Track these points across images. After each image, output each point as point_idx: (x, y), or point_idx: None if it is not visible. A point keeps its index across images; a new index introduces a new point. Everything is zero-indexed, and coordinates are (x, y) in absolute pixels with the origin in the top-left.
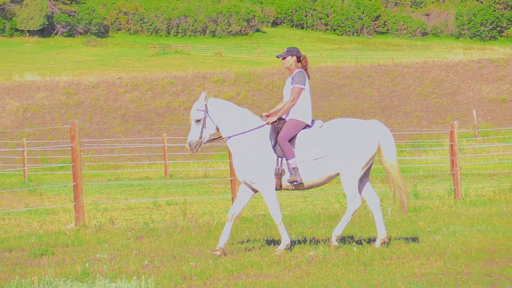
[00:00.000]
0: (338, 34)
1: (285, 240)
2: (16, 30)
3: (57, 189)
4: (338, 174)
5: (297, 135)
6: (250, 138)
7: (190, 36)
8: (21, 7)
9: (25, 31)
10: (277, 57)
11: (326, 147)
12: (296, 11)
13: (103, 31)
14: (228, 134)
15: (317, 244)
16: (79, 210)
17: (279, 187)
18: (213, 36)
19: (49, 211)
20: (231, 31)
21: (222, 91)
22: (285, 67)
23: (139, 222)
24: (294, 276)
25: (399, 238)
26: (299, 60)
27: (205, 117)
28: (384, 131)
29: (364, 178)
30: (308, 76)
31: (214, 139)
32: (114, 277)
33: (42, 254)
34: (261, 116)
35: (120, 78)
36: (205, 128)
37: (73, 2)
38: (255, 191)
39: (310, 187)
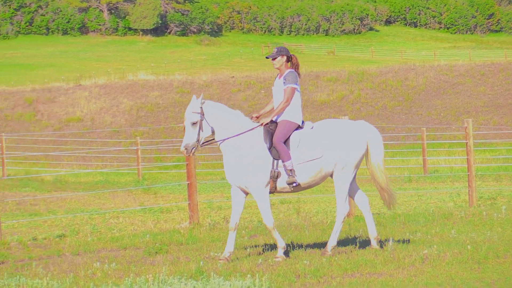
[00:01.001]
0: (451, 33)
1: (281, 244)
2: (130, 29)
3: (171, 188)
4: (331, 173)
5: (290, 136)
6: (245, 140)
7: (303, 35)
8: (134, 6)
9: (139, 30)
10: (267, 57)
11: (321, 148)
12: (410, 9)
13: (216, 30)
14: (223, 136)
15: (431, 242)
16: (193, 209)
17: (273, 190)
18: (326, 35)
19: (163, 210)
20: (344, 30)
21: (335, 90)
22: (275, 68)
23: (253, 221)
24: (408, 274)
25: None
26: (288, 60)
27: (201, 120)
28: (373, 131)
29: (352, 181)
30: (299, 75)
31: (208, 141)
32: (228, 275)
33: (156, 252)
34: (251, 118)
35: (233, 77)
36: (202, 131)
37: (186, 1)
38: (246, 193)
39: (306, 188)
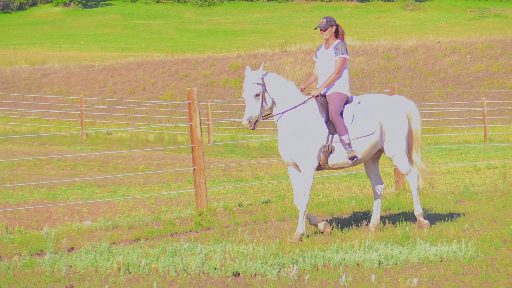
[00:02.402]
0: None
1: (300, 229)
2: None
3: None
4: (380, 149)
5: (343, 111)
6: (301, 113)
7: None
8: None
9: None
10: (315, 28)
11: (374, 123)
12: None
13: None
14: (281, 109)
15: None
16: (398, 174)
17: (324, 166)
18: None
19: None
20: None
21: None
22: (324, 39)
23: (459, 186)
24: None
25: None
26: (337, 30)
27: (264, 91)
28: (411, 103)
29: (376, 160)
30: None
31: (267, 115)
32: (434, 240)
33: (362, 218)
34: (300, 90)
35: (439, 42)
36: (265, 102)
37: None
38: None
39: (357, 164)
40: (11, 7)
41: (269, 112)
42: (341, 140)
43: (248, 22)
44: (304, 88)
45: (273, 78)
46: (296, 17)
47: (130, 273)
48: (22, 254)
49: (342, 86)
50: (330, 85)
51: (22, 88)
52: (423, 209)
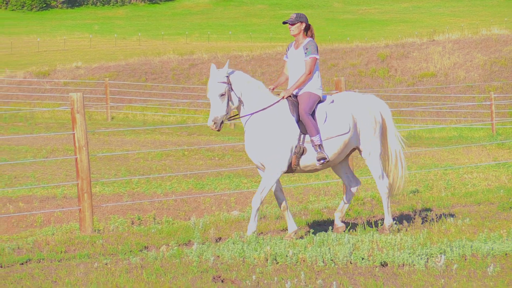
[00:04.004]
0: None
1: (252, 227)
2: None
3: None
4: (354, 149)
5: (316, 110)
6: (271, 114)
7: None
8: None
9: None
10: (284, 23)
11: (348, 122)
12: None
13: None
14: (249, 110)
15: None
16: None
17: (295, 168)
18: None
19: None
20: None
21: None
22: (292, 34)
23: None
24: None
25: None
26: (306, 28)
27: (229, 90)
28: (382, 103)
29: (345, 160)
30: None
31: (234, 116)
32: None
33: (510, 207)
34: (270, 90)
35: None
36: (231, 101)
37: None
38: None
39: (328, 166)
40: None
41: (237, 113)
42: (312, 141)
43: (396, 11)
44: (274, 88)
45: (240, 76)
46: (444, 6)
47: (277, 263)
48: (170, 244)
49: (314, 86)
50: (300, 86)
51: (171, 79)
52: (394, 220)
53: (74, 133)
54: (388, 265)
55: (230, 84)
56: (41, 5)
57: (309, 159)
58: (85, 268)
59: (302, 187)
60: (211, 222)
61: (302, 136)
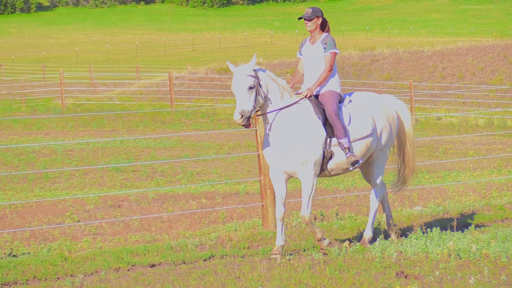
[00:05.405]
0: None
1: (318, 235)
2: None
3: None
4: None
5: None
6: (294, 114)
7: None
8: None
9: None
10: (299, 18)
11: (370, 123)
12: None
13: None
14: (272, 107)
15: None
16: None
17: (320, 173)
18: None
19: None
20: None
21: None
22: (309, 30)
23: None
24: None
25: None
26: (323, 23)
27: (258, 84)
28: (400, 103)
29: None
30: None
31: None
32: None
33: None
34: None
35: None
36: (259, 95)
37: None
38: (288, 178)
39: (351, 170)
40: None
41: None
42: (340, 144)
43: None
44: (292, 87)
45: (266, 73)
46: None
47: (460, 258)
48: (353, 240)
49: (335, 84)
50: (323, 83)
51: (352, 74)
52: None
53: (256, 129)
54: None
55: (259, 79)
56: (222, 1)
57: (337, 163)
58: (268, 264)
59: (484, 183)
60: (395, 217)
61: (328, 139)
